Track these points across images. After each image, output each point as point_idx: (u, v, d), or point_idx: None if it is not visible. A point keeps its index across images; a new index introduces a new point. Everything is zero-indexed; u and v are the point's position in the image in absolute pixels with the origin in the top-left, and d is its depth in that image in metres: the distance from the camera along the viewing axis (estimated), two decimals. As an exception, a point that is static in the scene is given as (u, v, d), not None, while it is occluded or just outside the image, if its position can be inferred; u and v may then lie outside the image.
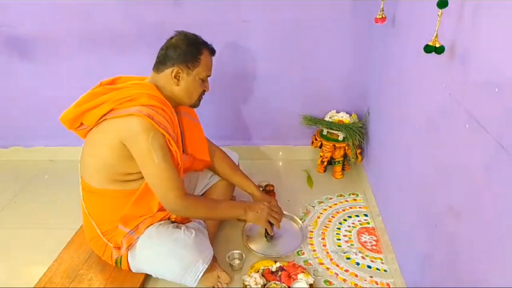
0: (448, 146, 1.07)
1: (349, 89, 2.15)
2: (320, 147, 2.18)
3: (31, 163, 2.40)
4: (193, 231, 1.45)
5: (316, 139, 2.19)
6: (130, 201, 1.42)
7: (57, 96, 2.13)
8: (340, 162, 2.16)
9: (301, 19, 1.97)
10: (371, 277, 1.55)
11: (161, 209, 1.48)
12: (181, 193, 1.37)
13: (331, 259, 1.64)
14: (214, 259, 1.52)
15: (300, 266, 1.55)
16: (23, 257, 1.70)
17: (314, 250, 1.69)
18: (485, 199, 0.87)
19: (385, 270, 1.57)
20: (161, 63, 1.43)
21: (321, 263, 1.62)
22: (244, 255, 1.61)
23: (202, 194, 1.77)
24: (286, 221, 1.79)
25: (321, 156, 2.20)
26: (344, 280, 1.54)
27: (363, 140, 2.08)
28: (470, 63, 0.94)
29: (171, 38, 1.45)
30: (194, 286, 1.42)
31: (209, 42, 1.49)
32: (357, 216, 1.89)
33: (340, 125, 2.08)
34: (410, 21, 1.42)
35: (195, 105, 1.53)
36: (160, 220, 1.48)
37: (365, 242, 1.73)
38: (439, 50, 0.98)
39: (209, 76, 1.50)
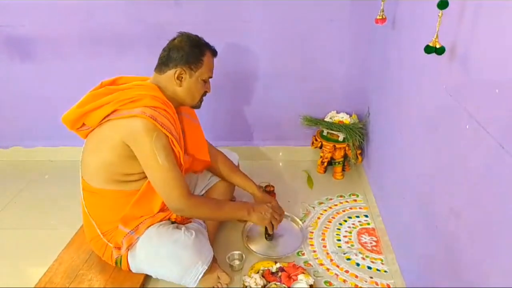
0: (449, 146, 1.07)
1: (349, 89, 2.16)
2: (320, 147, 2.18)
3: (31, 163, 2.40)
4: (193, 232, 1.45)
5: (316, 140, 2.19)
6: (131, 202, 1.42)
7: (57, 96, 2.13)
8: (340, 162, 2.16)
9: (302, 19, 1.98)
10: (371, 277, 1.55)
11: (162, 209, 1.48)
12: (185, 192, 1.37)
13: (331, 260, 1.64)
14: (214, 259, 1.52)
15: (300, 266, 1.55)
16: (23, 257, 1.70)
17: (314, 251, 1.69)
18: (485, 200, 0.87)
19: (385, 271, 1.58)
20: (163, 64, 1.43)
21: (321, 264, 1.62)
22: (244, 256, 1.61)
23: (202, 195, 1.77)
24: (286, 222, 1.80)
25: (321, 157, 2.20)
26: (344, 281, 1.54)
27: (363, 140, 2.08)
28: (470, 64, 0.94)
29: (174, 39, 1.44)
30: (194, 287, 1.42)
31: (209, 43, 1.49)
32: (357, 216, 1.89)
33: (340, 126, 2.08)
34: (410, 22, 1.42)
35: (197, 106, 1.53)
36: (161, 220, 1.48)
37: (365, 242, 1.73)
38: (440, 51, 0.98)
39: (211, 77, 1.50)
